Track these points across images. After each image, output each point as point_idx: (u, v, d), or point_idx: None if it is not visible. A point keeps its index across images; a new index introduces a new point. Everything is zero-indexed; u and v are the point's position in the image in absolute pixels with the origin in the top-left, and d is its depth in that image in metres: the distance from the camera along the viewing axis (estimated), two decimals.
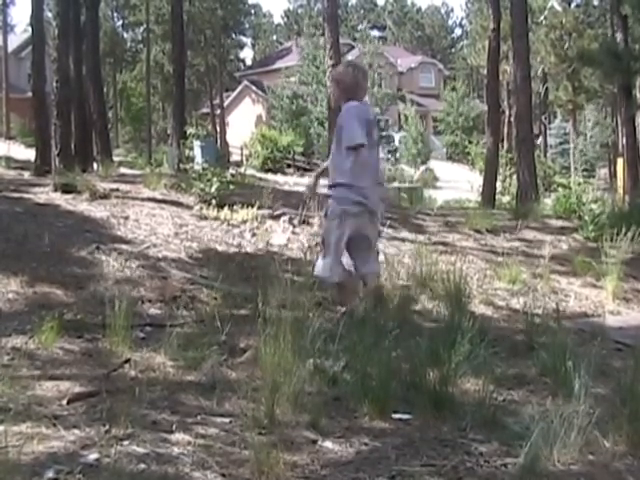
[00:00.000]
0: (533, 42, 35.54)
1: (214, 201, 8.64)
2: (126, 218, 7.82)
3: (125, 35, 60.33)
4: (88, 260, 6.42)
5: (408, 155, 43.80)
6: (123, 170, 15.12)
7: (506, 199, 16.85)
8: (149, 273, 6.31)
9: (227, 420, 3.61)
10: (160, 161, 22.62)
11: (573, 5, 47.64)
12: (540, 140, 48.97)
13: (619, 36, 21.02)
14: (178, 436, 3.34)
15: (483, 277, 7.41)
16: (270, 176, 32.55)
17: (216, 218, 8.21)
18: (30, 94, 15.83)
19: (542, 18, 45.58)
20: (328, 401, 4.01)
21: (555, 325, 5.33)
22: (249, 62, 73.42)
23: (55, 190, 8.85)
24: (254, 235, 7.80)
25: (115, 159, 18.77)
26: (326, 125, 24.18)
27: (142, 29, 56.78)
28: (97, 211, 7.98)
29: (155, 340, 4.83)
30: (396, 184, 26.97)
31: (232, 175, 9.55)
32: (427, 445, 3.48)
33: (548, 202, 14.37)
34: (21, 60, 43.52)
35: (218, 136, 47.16)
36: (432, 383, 3.98)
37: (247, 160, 40.05)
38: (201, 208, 8.56)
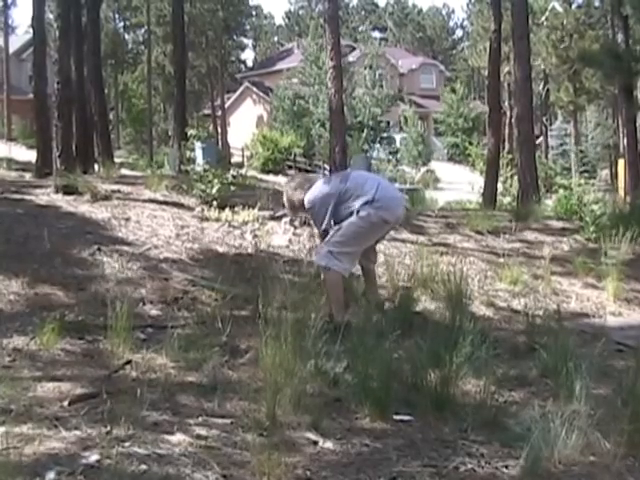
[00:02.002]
0: (534, 43, 35.54)
1: (215, 202, 8.63)
2: (127, 219, 7.82)
3: (126, 37, 60.30)
4: (89, 261, 6.43)
5: (409, 156, 43.79)
6: (124, 171, 15.11)
7: (507, 200, 16.79)
8: (150, 274, 6.31)
9: (228, 421, 3.62)
10: (161, 162, 22.63)
11: (574, 6, 47.60)
12: (541, 141, 48.95)
13: (620, 37, 21.07)
14: (179, 437, 3.34)
15: (484, 278, 7.40)
16: (271, 177, 32.54)
17: (217, 219, 8.21)
18: (31, 95, 15.87)
19: (543, 19, 45.58)
20: (329, 402, 4.01)
21: (556, 326, 5.33)
22: (250, 63, 73.44)
23: (56, 191, 8.84)
24: (255, 236, 7.80)
25: (116, 160, 18.75)
26: (327, 126, 24.16)
27: (143, 31, 56.76)
28: (98, 212, 7.98)
29: (156, 341, 4.83)
30: (397, 185, 26.96)
31: (233, 176, 9.52)
32: (428, 446, 3.49)
33: (549, 203, 14.36)
34: (22, 62, 43.56)
35: (219, 137, 47.15)
36: (433, 384, 3.99)
37: (248, 161, 40.04)
38: (202, 209, 8.56)
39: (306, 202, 5.67)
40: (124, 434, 3.27)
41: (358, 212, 5.46)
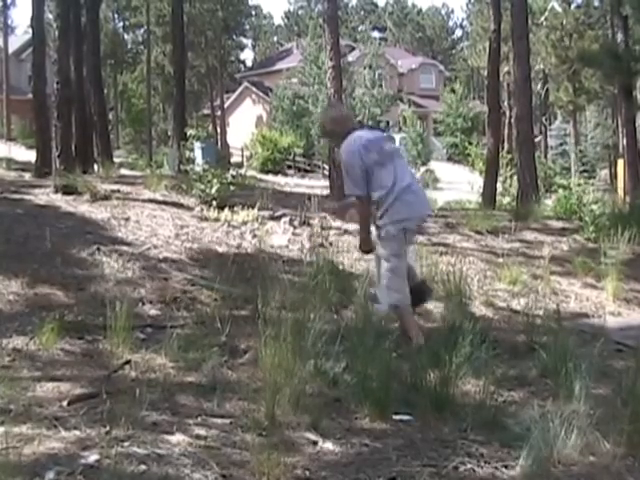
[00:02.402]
0: (534, 43, 35.57)
1: (215, 202, 8.64)
2: (127, 219, 7.83)
3: (126, 37, 60.32)
4: (89, 261, 6.42)
5: (408, 156, 43.77)
6: (124, 171, 15.14)
7: (507, 200, 16.79)
8: (150, 274, 6.31)
9: (227, 421, 3.62)
10: (161, 162, 22.58)
11: (573, 6, 47.64)
12: (540, 140, 48.97)
13: (620, 37, 21.05)
14: (178, 437, 3.34)
15: (483, 278, 7.41)
16: (270, 177, 32.60)
17: (217, 219, 8.22)
18: (31, 95, 15.84)
19: (543, 19, 45.62)
20: (329, 402, 4.01)
21: (556, 326, 5.32)
22: (249, 63, 73.48)
23: (56, 191, 8.85)
24: (254, 236, 7.81)
25: (116, 160, 18.79)
26: None
27: (143, 30, 56.78)
28: (98, 212, 7.98)
29: (155, 341, 4.83)
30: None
31: (232, 176, 9.54)
32: (428, 446, 3.49)
33: (548, 203, 14.36)
34: (22, 62, 43.55)
35: (219, 137, 47.16)
36: (433, 384, 3.98)
37: (247, 161, 40.04)
38: (202, 209, 8.56)
39: (342, 155, 5.44)
40: (123, 434, 3.26)
41: (379, 235, 5.33)
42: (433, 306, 6.15)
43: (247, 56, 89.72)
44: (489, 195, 15.18)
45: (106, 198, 8.63)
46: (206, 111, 57.50)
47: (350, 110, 6.46)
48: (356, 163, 5.22)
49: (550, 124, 54.60)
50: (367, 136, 5.42)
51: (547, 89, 51.79)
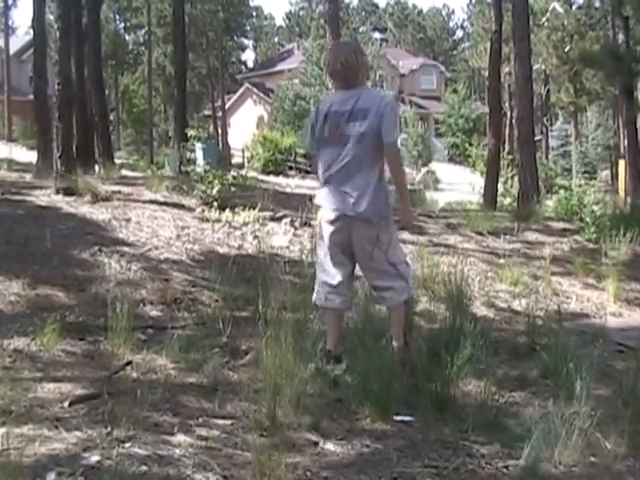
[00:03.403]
0: (535, 44, 35.60)
1: (216, 203, 8.64)
2: (128, 220, 7.83)
3: (127, 37, 60.41)
4: (90, 262, 6.42)
5: (409, 157, 43.75)
6: (125, 172, 15.13)
7: (508, 201, 16.82)
8: (151, 275, 6.31)
9: (229, 422, 3.62)
10: (162, 163, 22.65)
11: (575, 7, 47.70)
12: (541, 141, 48.97)
13: (621, 38, 21.06)
14: (180, 438, 3.34)
15: (484, 279, 7.41)
16: (272, 178, 32.54)
17: (218, 220, 8.22)
18: (32, 96, 15.88)
19: (544, 20, 45.65)
20: (330, 403, 4.01)
21: (557, 327, 5.33)
22: (251, 64, 73.51)
23: (57, 192, 8.85)
24: (255, 237, 7.81)
25: (117, 161, 18.76)
26: None
27: (144, 31, 56.82)
28: (99, 213, 7.98)
29: (157, 342, 4.83)
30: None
31: (234, 177, 9.54)
32: (429, 447, 3.49)
33: (549, 204, 14.37)
34: (23, 62, 43.57)
35: (220, 138, 47.15)
36: (434, 385, 3.98)
37: (249, 162, 40.03)
38: (203, 210, 8.56)
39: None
40: (125, 435, 3.26)
41: None
42: (434, 307, 6.15)
43: (248, 57, 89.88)
44: (490, 196, 15.19)
45: (107, 199, 8.63)
46: (207, 112, 57.51)
47: (364, 59, 4.96)
48: (311, 118, 4.62)
49: (551, 125, 54.61)
50: (336, 107, 4.46)
51: (548, 90, 51.83)
